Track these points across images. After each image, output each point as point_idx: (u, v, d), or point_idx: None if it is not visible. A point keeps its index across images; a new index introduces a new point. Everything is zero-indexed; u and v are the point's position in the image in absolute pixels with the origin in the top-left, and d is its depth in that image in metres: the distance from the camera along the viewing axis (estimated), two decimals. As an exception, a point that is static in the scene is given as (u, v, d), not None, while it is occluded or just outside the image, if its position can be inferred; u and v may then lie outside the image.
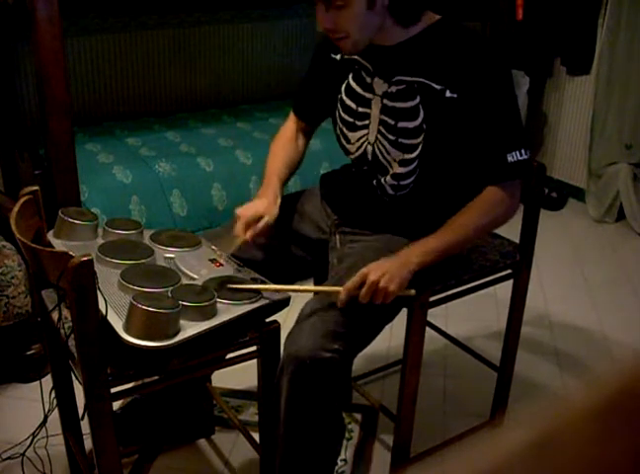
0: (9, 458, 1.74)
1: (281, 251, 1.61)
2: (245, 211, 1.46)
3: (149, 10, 3.08)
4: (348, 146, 1.55)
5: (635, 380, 0.29)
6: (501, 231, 1.75)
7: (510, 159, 1.39)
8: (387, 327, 1.46)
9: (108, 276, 1.31)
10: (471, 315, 2.49)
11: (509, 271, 1.73)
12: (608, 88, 3.23)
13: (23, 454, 1.67)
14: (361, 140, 1.51)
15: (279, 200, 1.51)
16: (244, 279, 1.38)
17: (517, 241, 1.75)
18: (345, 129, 1.54)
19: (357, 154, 1.53)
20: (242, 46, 3.42)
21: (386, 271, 1.33)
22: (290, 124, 1.71)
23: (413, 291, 1.38)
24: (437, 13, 1.44)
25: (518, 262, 1.72)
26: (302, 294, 1.65)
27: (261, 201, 1.49)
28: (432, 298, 1.54)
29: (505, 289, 1.80)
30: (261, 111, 3.32)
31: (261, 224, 1.45)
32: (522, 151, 1.41)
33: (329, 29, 1.37)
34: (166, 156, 2.65)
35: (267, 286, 1.37)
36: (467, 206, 1.42)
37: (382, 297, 1.33)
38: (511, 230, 1.75)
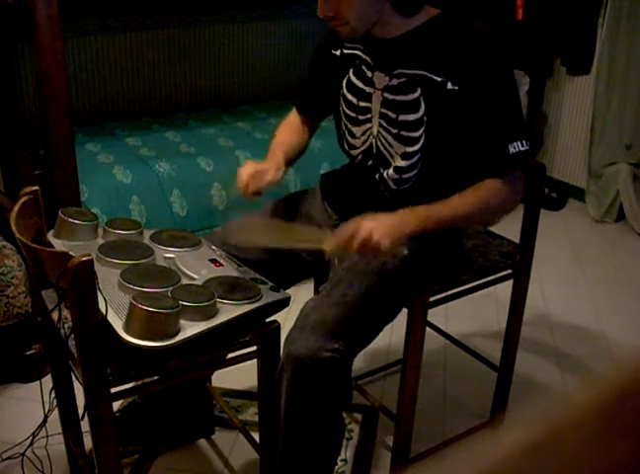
0: (9, 458, 1.74)
1: (283, 251, 1.61)
2: (247, 168, 1.47)
3: (149, 10, 3.08)
4: (353, 141, 1.54)
5: (636, 379, 0.29)
6: (501, 231, 1.75)
7: (511, 150, 1.39)
8: (387, 327, 1.46)
9: (108, 276, 1.31)
10: (471, 315, 2.49)
11: (509, 271, 1.73)
12: (608, 88, 3.23)
13: (23, 454, 1.67)
14: (367, 134, 1.51)
15: (283, 169, 1.51)
16: (244, 279, 1.38)
17: (517, 241, 1.75)
18: (349, 125, 1.54)
19: (362, 148, 1.53)
20: (242, 46, 3.41)
21: (380, 225, 1.29)
22: (294, 116, 1.72)
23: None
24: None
25: (518, 262, 1.72)
26: (302, 295, 1.65)
27: (263, 163, 1.50)
28: (432, 298, 1.54)
29: (505, 289, 1.80)
30: (261, 111, 3.32)
31: (266, 180, 1.45)
32: (524, 142, 1.40)
33: (329, 16, 1.37)
34: (166, 156, 2.65)
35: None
36: (472, 187, 1.41)
37: (372, 250, 1.29)
38: (511, 230, 1.75)
